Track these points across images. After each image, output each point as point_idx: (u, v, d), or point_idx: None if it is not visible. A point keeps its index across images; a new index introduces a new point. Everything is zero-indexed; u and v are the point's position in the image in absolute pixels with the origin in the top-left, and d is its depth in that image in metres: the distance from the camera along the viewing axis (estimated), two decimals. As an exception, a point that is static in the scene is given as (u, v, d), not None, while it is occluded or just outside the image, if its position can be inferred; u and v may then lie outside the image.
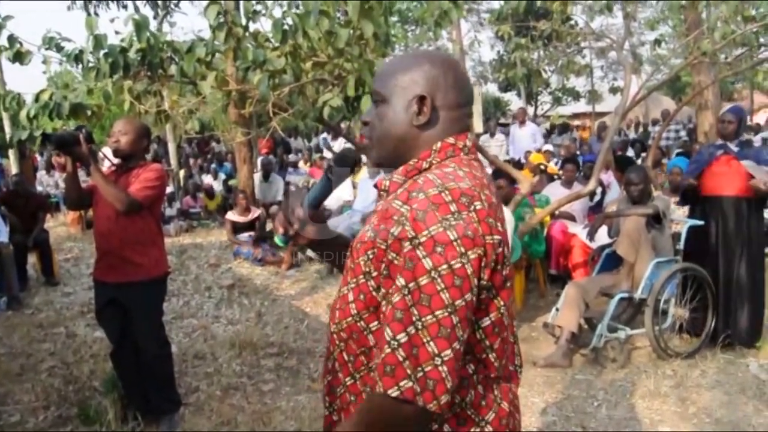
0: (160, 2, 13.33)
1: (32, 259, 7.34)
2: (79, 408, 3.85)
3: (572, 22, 9.53)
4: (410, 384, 1.07)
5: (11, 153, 11.94)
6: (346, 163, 1.53)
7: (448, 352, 1.08)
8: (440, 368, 1.08)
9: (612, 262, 4.84)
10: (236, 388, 4.18)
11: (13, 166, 11.72)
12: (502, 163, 6.42)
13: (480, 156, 1.38)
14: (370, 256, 1.20)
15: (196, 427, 3.62)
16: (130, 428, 3.55)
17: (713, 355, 4.42)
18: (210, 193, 11.20)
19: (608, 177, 7.46)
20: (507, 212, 5.15)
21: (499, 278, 1.18)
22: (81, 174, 3.80)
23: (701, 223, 4.64)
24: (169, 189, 9.96)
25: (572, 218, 6.47)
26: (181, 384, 4.09)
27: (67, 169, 3.41)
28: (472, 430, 1.21)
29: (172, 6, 13.75)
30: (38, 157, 14.84)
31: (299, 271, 7.26)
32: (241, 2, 4.87)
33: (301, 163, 13.41)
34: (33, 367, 4.67)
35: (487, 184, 1.23)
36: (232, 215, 8.37)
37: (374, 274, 1.19)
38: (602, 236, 5.19)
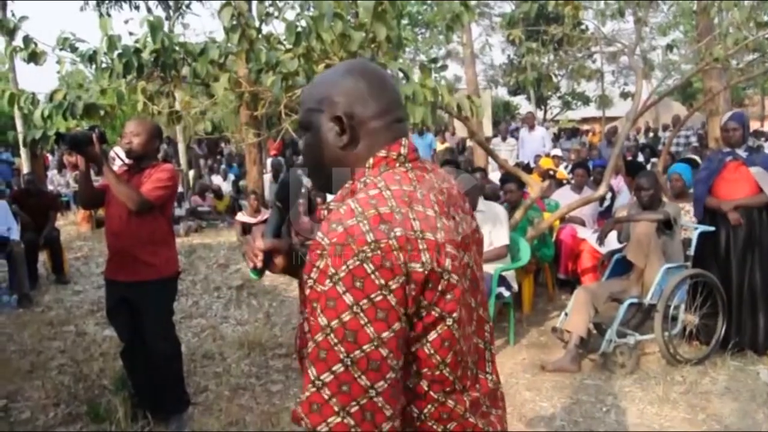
0: (171, 3, 13.40)
1: (43, 257, 7.39)
2: (88, 406, 3.87)
3: (583, 27, 9.52)
4: (339, 419, 1.06)
5: (23, 152, 12.03)
6: (296, 186, 1.52)
7: (381, 383, 1.07)
8: (375, 399, 1.07)
9: (622, 267, 4.83)
10: (245, 388, 4.20)
11: (24, 165, 11.81)
12: (512, 167, 6.41)
13: (426, 159, 1.32)
14: (307, 292, 1.17)
15: (205, 426, 3.63)
16: (140, 427, 3.57)
17: (723, 362, 4.40)
18: (219, 193, 11.24)
19: (618, 182, 7.43)
20: (496, 206, 5.13)
21: (433, 296, 1.13)
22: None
23: (712, 229, 4.63)
24: (179, 189, 10.01)
25: (582, 223, 6.46)
26: (190, 383, 4.11)
27: (80, 168, 3.44)
28: None
29: (184, 8, 13.82)
30: (49, 157, 14.94)
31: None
32: (254, 4, 4.90)
33: (310, 165, 13.44)
34: (43, 365, 4.70)
35: (422, 197, 1.17)
36: (242, 216, 8.40)
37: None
38: (612, 241, 5.18)
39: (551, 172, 8.61)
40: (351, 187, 1.23)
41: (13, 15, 4.27)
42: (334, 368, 1.07)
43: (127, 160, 3.56)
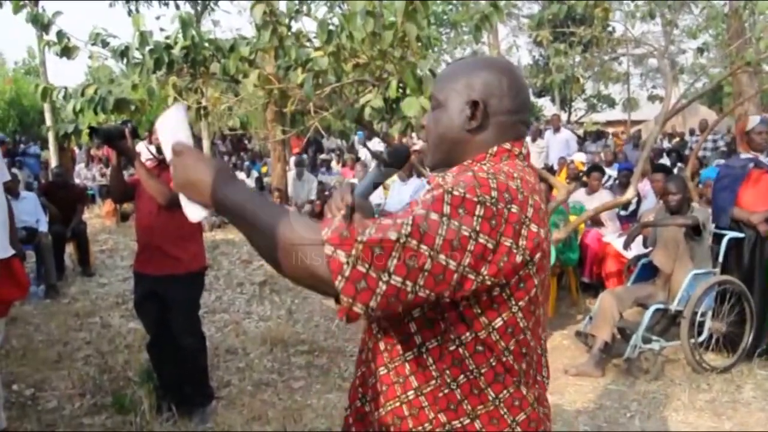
0: (200, 0, 13.51)
1: (69, 249, 7.49)
2: (113, 397, 3.92)
3: (610, 29, 9.43)
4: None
5: (51, 146, 12.22)
6: (400, 157, 1.53)
7: (398, 279, 1.04)
8: (380, 284, 1.04)
9: (648, 272, 4.78)
10: (267, 384, 4.22)
11: (52, 158, 11.99)
12: (539, 169, 6.37)
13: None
14: None
15: (228, 420, 3.66)
16: (164, 419, 3.60)
17: (750, 371, 4.34)
18: (243, 190, 11.30)
19: (644, 186, 7.36)
20: None
21: (514, 280, 1.16)
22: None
23: (742, 235, 4.57)
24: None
25: (600, 222, 6.40)
26: (214, 378, 4.14)
27: (111, 162, 3.49)
28: (504, 430, 1.22)
29: (212, 5, 13.92)
30: (77, 150, 15.14)
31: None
32: (282, 1, 4.92)
33: (333, 163, 13.48)
34: (69, 355, 4.77)
35: (538, 191, 1.24)
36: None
37: None
38: (637, 245, 5.13)
39: (580, 174, 8.54)
40: (470, 165, 1.28)
41: (44, 10, 4.34)
42: (388, 232, 1.05)
43: (154, 153, 3.59)
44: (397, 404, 1.24)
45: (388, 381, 1.26)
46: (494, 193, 1.13)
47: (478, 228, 1.10)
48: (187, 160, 1.21)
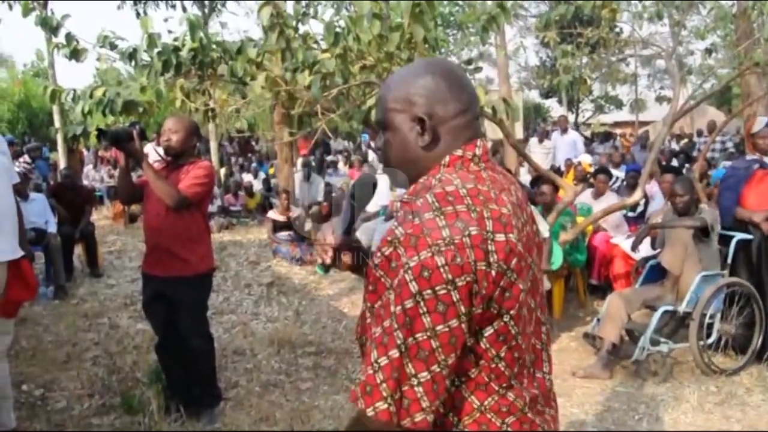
0: (207, 2, 13.56)
1: (78, 250, 7.53)
2: (122, 398, 3.93)
3: (618, 30, 9.40)
4: (385, 406, 1.10)
5: (60, 148, 12.29)
6: (367, 187, 1.54)
7: (425, 374, 1.10)
8: (416, 389, 1.10)
9: (656, 274, 4.76)
10: (275, 385, 4.23)
11: (61, 160, 12.05)
12: (546, 170, 6.36)
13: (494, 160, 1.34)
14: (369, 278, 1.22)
15: (236, 421, 3.67)
16: (172, 420, 3.61)
17: (759, 373, 4.31)
18: (250, 191, 11.34)
19: (652, 187, 7.33)
20: (538, 217, 5.09)
21: (497, 294, 1.16)
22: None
23: (750, 237, 4.54)
24: (212, 186, 10.13)
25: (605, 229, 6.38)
26: (221, 379, 4.15)
27: (119, 164, 3.51)
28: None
29: (219, 7, 13.97)
30: (85, 152, 15.21)
31: (337, 272, 7.29)
32: (288, 3, 4.93)
33: (340, 164, 13.49)
34: (78, 356, 4.79)
35: (495, 197, 1.20)
36: (273, 214, 8.48)
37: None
38: (645, 247, 5.11)
39: (587, 176, 8.52)
40: (425, 183, 1.25)
41: (52, 13, 4.37)
42: (390, 353, 1.11)
43: (165, 157, 3.61)
44: None
45: None
46: (445, 232, 1.11)
47: (449, 276, 1.10)
48: None
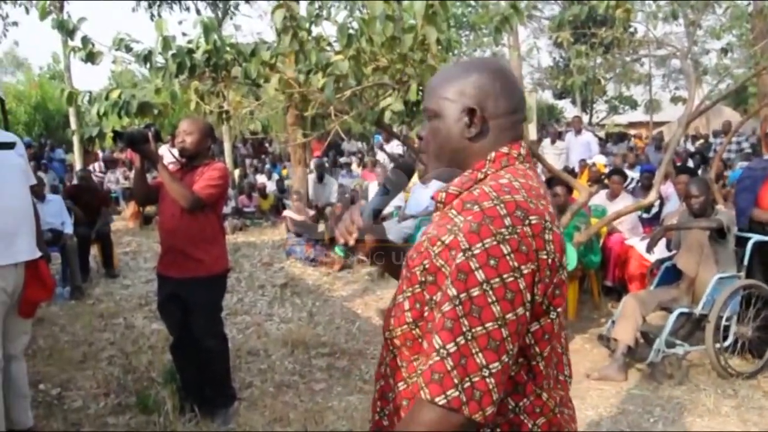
0: (220, 4, 13.64)
1: (94, 251, 7.60)
2: (137, 397, 3.96)
3: (632, 30, 9.35)
4: (457, 394, 1.08)
5: (76, 149, 12.41)
6: (405, 173, 1.53)
7: (497, 364, 1.09)
8: (487, 380, 1.09)
9: (671, 275, 4.72)
10: (289, 385, 4.24)
11: (77, 161, 12.16)
12: (560, 171, 6.33)
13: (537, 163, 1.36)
14: (426, 266, 1.20)
15: (250, 421, 3.68)
16: (187, 420, 3.64)
17: (777, 376, 4.27)
18: (264, 192, 11.39)
19: (667, 188, 7.28)
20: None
21: (550, 289, 1.18)
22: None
23: (767, 238, 4.50)
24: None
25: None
26: (236, 379, 4.17)
27: (135, 165, 3.53)
28: None
29: (233, 9, 14.04)
30: (100, 154, 15.33)
31: (351, 273, 7.32)
32: (302, 5, 4.95)
33: (354, 166, 13.52)
34: (94, 355, 4.83)
35: (543, 194, 1.23)
36: (289, 212, 8.56)
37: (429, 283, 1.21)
38: (660, 249, 5.07)
39: (601, 176, 8.47)
40: (471, 176, 1.26)
41: (69, 16, 4.41)
42: (458, 339, 1.09)
43: (180, 158, 3.63)
44: None
45: (407, 396, 1.26)
46: (507, 221, 1.13)
47: (516, 264, 1.11)
48: None
